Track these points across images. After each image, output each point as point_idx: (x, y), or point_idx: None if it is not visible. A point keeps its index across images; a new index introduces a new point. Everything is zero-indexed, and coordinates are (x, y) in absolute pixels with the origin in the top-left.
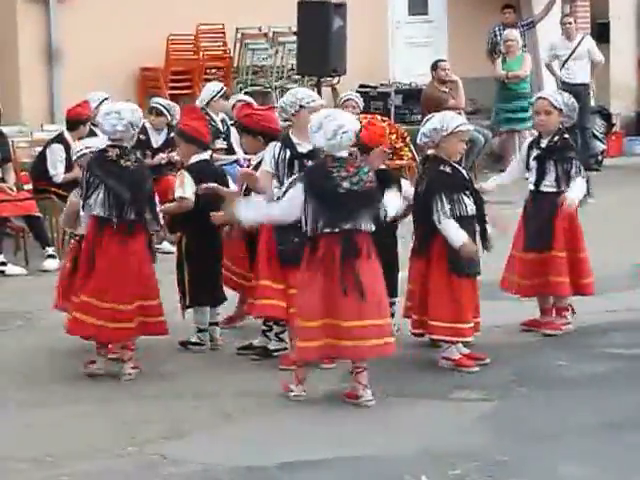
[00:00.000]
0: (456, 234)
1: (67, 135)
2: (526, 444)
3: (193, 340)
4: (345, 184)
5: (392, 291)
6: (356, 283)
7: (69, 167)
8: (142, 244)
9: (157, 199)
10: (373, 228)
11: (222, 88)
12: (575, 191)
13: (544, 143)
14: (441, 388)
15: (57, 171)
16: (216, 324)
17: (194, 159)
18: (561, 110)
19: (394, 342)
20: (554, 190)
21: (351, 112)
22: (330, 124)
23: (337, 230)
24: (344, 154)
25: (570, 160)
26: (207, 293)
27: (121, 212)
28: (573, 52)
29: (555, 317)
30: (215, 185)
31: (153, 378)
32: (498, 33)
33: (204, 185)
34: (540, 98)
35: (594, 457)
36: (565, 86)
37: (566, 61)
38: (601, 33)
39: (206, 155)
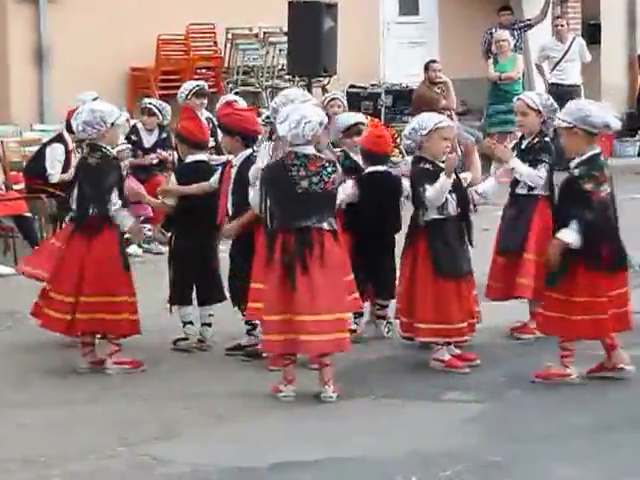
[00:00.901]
0: (441, 186)
1: (67, 136)
2: (517, 445)
3: (180, 336)
4: (304, 183)
5: (388, 293)
6: (308, 278)
7: (66, 168)
8: (107, 241)
9: (116, 196)
10: (333, 226)
11: (196, 86)
12: (520, 165)
13: (524, 144)
14: (432, 389)
15: (54, 170)
16: (208, 325)
17: (188, 159)
18: (539, 111)
19: (349, 338)
20: (529, 193)
21: (336, 112)
22: (295, 114)
23: (293, 227)
24: (308, 151)
25: (540, 162)
26: (190, 292)
27: (81, 208)
28: (566, 53)
29: (530, 321)
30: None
31: (144, 379)
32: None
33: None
34: (518, 99)
35: (585, 457)
36: (557, 87)
37: (558, 62)
38: (592, 34)
39: (201, 155)
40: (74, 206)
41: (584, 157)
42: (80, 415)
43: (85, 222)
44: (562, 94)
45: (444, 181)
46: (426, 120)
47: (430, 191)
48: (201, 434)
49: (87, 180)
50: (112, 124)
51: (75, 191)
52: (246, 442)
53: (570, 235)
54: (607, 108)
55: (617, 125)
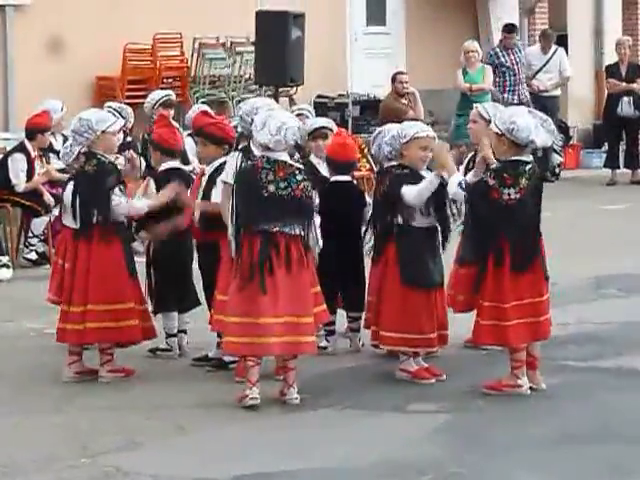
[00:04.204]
0: (425, 187)
1: (28, 144)
2: (482, 456)
3: (162, 346)
4: (270, 187)
5: (358, 305)
6: (273, 281)
7: (29, 176)
8: (111, 247)
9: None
10: (300, 233)
11: (164, 96)
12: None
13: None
14: (398, 400)
15: (19, 180)
16: (184, 332)
17: (163, 167)
18: (489, 121)
19: (314, 342)
20: None
21: None
22: (273, 121)
23: (258, 230)
24: (281, 157)
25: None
26: (174, 298)
27: (84, 216)
28: (545, 64)
29: None
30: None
31: (107, 389)
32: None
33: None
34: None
35: (549, 469)
36: (536, 97)
37: (537, 72)
38: (559, 45)
39: (175, 163)
40: (76, 216)
41: (505, 160)
42: (41, 425)
43: (89, 230)
44: (543, 104)
45: (428, 183)
46: (407, 128)
47: (408, 189)
48: (164, 445)
49: (87, 189)
50: (103, 132)
51: (77, 201)
52: (209, 453)
53: (454, 184)
54: (547, 123)
55: (544, 143)
